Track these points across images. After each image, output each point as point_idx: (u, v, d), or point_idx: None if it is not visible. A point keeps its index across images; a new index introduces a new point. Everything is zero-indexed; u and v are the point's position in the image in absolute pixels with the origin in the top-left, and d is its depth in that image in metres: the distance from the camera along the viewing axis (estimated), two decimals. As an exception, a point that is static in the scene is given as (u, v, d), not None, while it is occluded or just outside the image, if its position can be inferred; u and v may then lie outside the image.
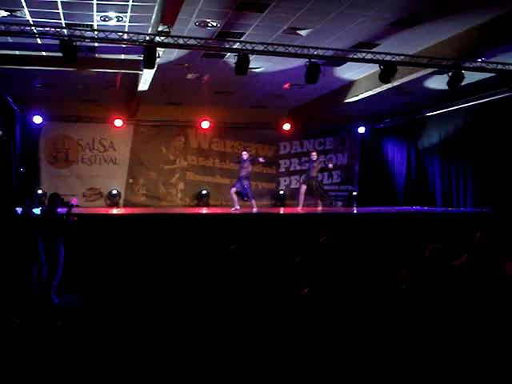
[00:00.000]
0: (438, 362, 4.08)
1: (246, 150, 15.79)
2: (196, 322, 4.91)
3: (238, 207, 15.16)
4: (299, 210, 15.95)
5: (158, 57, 10.64)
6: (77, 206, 10.53)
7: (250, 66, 11.15)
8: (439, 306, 4.86)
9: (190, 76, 14.14)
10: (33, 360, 3.79)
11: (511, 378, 3.90)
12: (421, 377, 4.03)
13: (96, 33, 10.22)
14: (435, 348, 4.20)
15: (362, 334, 4.41)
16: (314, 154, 16.67)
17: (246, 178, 15.13)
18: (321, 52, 11.19)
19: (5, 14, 9.80)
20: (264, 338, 4.47)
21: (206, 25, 10.43)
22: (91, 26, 10.38)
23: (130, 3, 9.38)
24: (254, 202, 15.24)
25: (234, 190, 15.27)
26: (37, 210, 10.20)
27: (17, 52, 12.07)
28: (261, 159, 15.81)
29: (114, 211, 16.06)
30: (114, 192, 18.73)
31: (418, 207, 18.55)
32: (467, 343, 4.20)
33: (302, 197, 16.26)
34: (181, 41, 10.37)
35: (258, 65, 12.91)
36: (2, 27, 9.65)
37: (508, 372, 3.90)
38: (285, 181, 20.81)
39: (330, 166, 16.75)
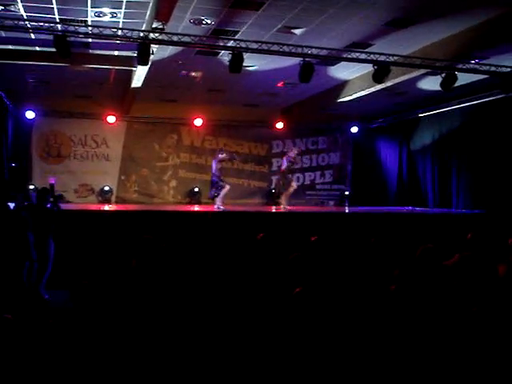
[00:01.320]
0: (429, 362, 4.09)
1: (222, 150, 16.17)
2: (188, 320, 4.90)
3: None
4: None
5: (152, 53, 10.63)
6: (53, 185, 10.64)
7: (244, 64, 11.16)
8: (430, 306, 4.88)
9: (183, 72, 14.12)
10: (24, 356, 3.78)
11: (503, 378, 3.92)
12: (412, 377, 4.04)
13: (90, 28, 10.19)
14: (426, 348, 4.21)
15: (353, 333, 4.41)
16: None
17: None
18: (315, 51, 11.20)
19: (-2, 8, 9.77)
20: (255, 338, 4.47)
21: (200, 22, 10.42)
22: (85, 21, 10.35)
23: (125, -1, 9.38)
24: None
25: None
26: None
27: (10, 46, 12.03)
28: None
29: (106, 208, 16.04)
30: (106, 188, 18.69)
31: (410, 207, 18.61)
32: (458, 343, 4.22)
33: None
34: (175, 38, 10.36)
35: (252, 63, 12.91)
36: (-4, 21, 9.63)
37: (500, 372, 3.92)
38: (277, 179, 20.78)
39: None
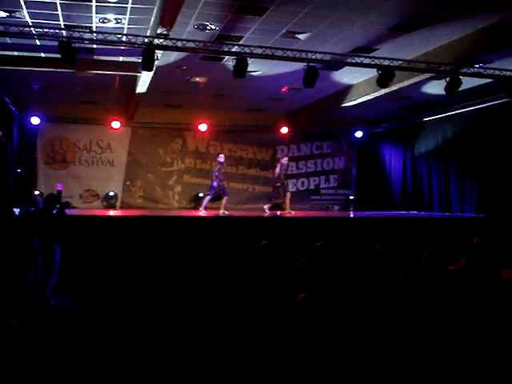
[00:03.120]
0: (434, 369, 4.08)
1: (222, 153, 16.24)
2: (192, 325, 4.91)
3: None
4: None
5: (157, 59, 10.65)
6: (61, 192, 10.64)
7: (248, 70, 11.17)
8: (435, 310, 4.87)
9: (186, 78, 14.16)
10: (30, 361, 3.79)
11: (508, 381, 3.91)
12: (416, 380, 4.04)
13: (95, 34, 10.22)
14: (432, 352, 4.20)
15: (358, 338, 4.41)
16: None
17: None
18: (319, 56, 11.20)
19: (4, 14, 9.81)
20: (260, 344, 4.47)
21: (204, 28, 10.45)
22: (90, 27, 10.40)
23: (129, 5, 9.40)
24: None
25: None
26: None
27: (15, 53, 12.08)
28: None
29: (111, 213, 16.05)
30: (111, 194, 18.71)
31: (415, 212, 18.58)
32: (464, 347, 4.21)
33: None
34: (179, 43, 10.38)
35: (256, 68, 12.93)
36: (1, 28, 9.66)
37: (505, 375, 3.91)
38: (282, 184, 20.77)
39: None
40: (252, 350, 4.36)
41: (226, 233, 12.04)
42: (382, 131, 21.00)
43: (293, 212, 16.19)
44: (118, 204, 18.85)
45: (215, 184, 15.28)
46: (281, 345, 4.31)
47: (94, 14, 9.83)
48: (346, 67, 12.75)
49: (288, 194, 16.58)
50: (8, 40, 10.99)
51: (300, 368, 4.03)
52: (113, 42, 10.30)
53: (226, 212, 15.17)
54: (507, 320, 4.33)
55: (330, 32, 10.62)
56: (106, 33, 10.11)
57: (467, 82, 12.74)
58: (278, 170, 16.41)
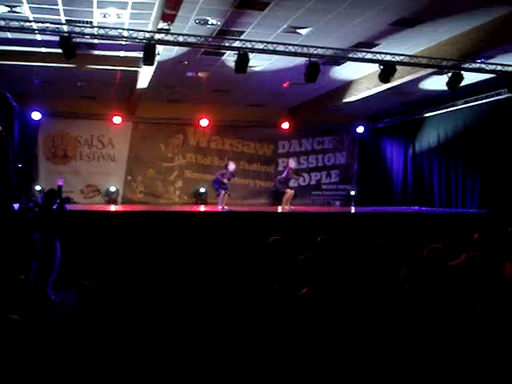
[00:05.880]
0: (435, 364, 4.08)
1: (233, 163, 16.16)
2: (193, 321, 4.90)
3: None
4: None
5: (158, 54, 10.63)
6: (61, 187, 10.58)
7: (250, 65, 11.15)
8: (436, 306, 4.86)
9: (189, 73, 14.14)
10: (30, 356, 3.78)
11: (508, 378, 3.90)
12: (419, 378, 4.03)
13: (96, 29, 10.20)
14: (433, 348, 4.19)
15: (359, 333, 4.40)
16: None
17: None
18: (320, 51, 11.17)
19: (5, 9, 9.78)
20: (259, 340, 4.46)
21: (205, 23, 10.42)
22: (91, 22, 10.37)
23: (131, 0, 9.37)
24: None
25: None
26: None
27: (16, 48, 12.06)
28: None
29: (112, 208, 16.05)
30: (112, 189, 18.72)
31: (416, 207, 18.57)
32: (464, 344, 4.20)
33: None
34: (180, 38, 10.37)
35: (258, 63, 12.89)
36: (2, 23, 9.65)
37: (506, 372, 3.90)
38: (283, 179, 20.73)
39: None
40: (253, 347, 4.36)
41: (227, 228, 12.03)
42: (383, 126, 20.95)
43: (292, 207, 16.17)
44: (119, 199, 18.87)
45: (217, 186, 15.33)
46: (281, 341, 4.30)
47: (94, 9, 9.80)
48: (348, 62, 12.73)
49: (289, 191, 16.49)
50: (9, 35, 10.96)
51: (302, 360, 4.03)
52: (114, 37, 10.28)
53: (226, 207, 15.16)
54: (508, 316, 4.32)
55: (331, 27, 10.59)
56: (107, 27, 10.09)
57: (469, 78, 12.72)
58: (285, 174, 16.29)
